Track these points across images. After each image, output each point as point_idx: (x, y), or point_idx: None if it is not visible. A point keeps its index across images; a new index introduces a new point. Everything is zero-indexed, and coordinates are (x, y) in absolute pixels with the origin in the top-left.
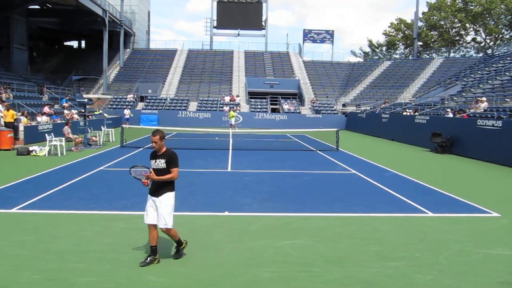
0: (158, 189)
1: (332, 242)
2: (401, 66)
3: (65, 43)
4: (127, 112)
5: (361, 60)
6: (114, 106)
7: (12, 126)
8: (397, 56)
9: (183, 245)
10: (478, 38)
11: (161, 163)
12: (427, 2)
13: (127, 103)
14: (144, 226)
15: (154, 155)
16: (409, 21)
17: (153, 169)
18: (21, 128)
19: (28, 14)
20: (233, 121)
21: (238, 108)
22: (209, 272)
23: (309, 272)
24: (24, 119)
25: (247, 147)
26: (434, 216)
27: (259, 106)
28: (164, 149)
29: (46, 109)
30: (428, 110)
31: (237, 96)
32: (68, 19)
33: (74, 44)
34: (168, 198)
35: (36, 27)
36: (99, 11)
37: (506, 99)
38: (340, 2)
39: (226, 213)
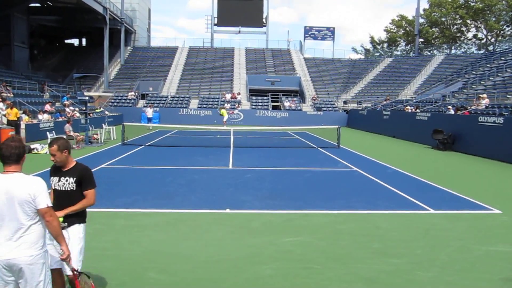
0: (64, 218)
1: (333, 239)
2: (403, 63)
3: (66, 41)
4: (150, 110)
5: (362, 57)
6: (115, 104)
7: (15, 124)
8: (398, 53)
9: None
10: (479, 35)
11: (69, 183)
12: None
13: (147, 100)
14: (145, 223)
15: (58, 171)
16: (410, 17)
17: (55, 190)
18: (22, 126)
19: (29, 12)
20: (224, 118)
21: (239, 105)
22: (210, 269)
23: (310, 269)
24: (25, 117)
25: (248, 144)
26: (435, 213)
27: (260, 104)
28: (73, 163)
29: (48, 107)
30: (430, 107)
31: (238, 93)
32: (69, 17)
33: (75, 42)
34: (78, 231)
35: (37, 25)
36: (99, 9)
37: (508, 96)
38: None
39: (227, 210)
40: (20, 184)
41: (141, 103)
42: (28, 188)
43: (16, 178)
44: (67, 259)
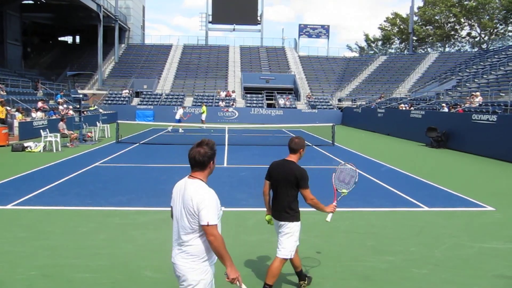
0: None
1: (328, 236)
2: (397, 60)
3: (59, 39)
4: (181, 112)
5: (356, 55)
6: (110, 102)
7: (3, 122)
8: (393, 51)
9: None
10: (473, 33)
11: None
12: None
13: (180, 101)
14: (140, 221)
15: None
16: (404, 15)
17: None
18: (15, 124)
19: (22, 9)
20: (203, 116)
21: (234, 103)
22: None
23: (305, 267)
24: (19, 115)
25: (243, 142)
26: (429, 211)
27: (255, 101)
28: None
29: (40, 104)
30: (424, 105)
31: (233, 91)
32: (63, 14)
33: (69, 39)
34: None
35: (30, 22)
36: (93, 6)
37: (501, 94)
38: None
39: (222, 208)
40: (191, 192)
41: (136, 101)
42: (194, 197)
43: (192, 185)
44: (234, 282)
